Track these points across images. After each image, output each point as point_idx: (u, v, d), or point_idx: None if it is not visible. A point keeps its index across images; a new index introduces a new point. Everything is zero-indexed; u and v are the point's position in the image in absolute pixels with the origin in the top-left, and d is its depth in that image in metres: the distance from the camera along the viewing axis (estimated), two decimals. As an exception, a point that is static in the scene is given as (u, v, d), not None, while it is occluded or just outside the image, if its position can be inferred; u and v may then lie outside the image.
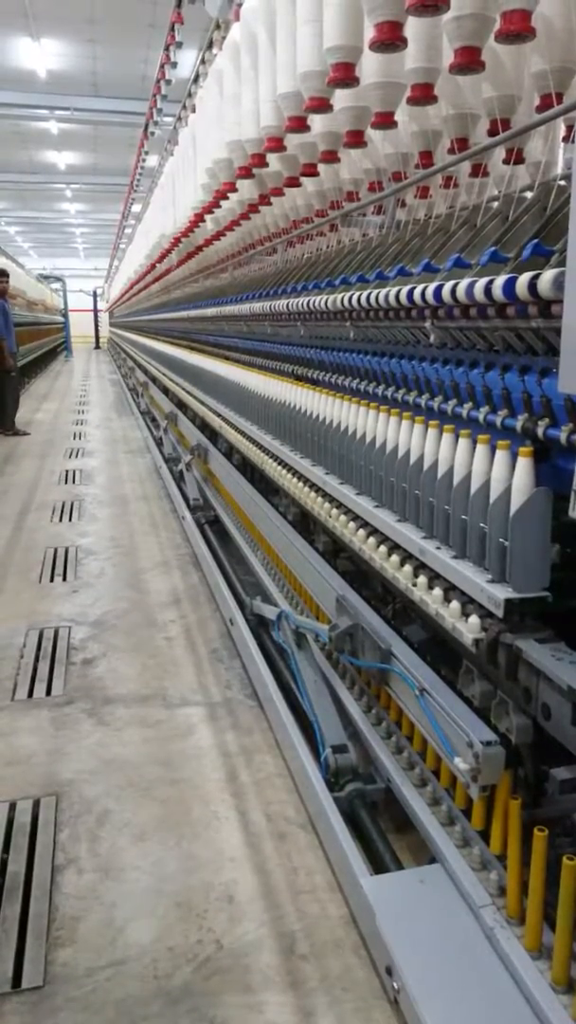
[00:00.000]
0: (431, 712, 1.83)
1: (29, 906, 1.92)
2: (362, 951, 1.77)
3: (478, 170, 2.35)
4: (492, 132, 2.07)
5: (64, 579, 4.32)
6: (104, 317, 32.42)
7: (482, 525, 1.65)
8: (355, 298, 2.31)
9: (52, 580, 4.31)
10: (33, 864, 2.06)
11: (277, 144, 2.78)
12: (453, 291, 1.71)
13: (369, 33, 1.77)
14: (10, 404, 9.70)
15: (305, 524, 3.37)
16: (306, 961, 1.76)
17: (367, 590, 3.08)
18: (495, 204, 2.20)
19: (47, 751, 2.60)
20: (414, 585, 1.88)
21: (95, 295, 32.33)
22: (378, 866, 1.94)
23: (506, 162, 2.18)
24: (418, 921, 1.65)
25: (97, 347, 32.94)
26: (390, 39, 1.67)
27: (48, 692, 3.02)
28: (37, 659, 3.30)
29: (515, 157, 2.13)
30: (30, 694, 3.00)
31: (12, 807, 2.30)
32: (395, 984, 1.56)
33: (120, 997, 1.66)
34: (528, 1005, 1.44)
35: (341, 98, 2.26)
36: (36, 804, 2.31)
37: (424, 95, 1.93)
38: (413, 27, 1.83)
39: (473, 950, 1.57)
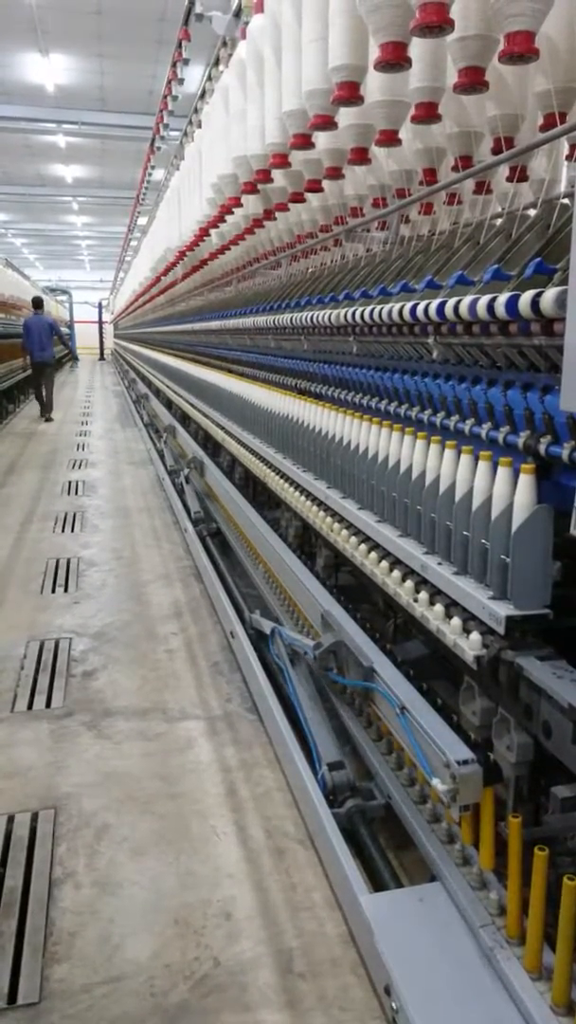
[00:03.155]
0: (411, 731, 1.82)
1: (26, 921, 1.90)
2: (360, 970, 1.76)
3: (482, 187, 2.36)
4: (496, 150, 2.09)
5: (65, 590, 4.32)
6: (109, 328, 32.58)
7: (484, 542, 1.65)
8: (358, 313, 2.32)
9: (53, 591, 4.31)
10: (31, 878, 2.05)
11: (282, 160, 2.80)
12: (456, 308, 1.72)
13: (374, 52, 1.78)
14: (46, 395, 12.04)
15: (307, 537, 3.37)
16: (304, 980, 1.74)
17: (369, 605, 3.07)
18: (499, 221, 2.22)
19: (46, 764, 2.59)
20: (415, 601, 1.88)
21: (100, 307, 32.48)
22: (377, 883, 1.93)
23: (510, 180, 2.19)
24: (417, 940, 1.64)
25: (102, 358, 33.06)
26: (395, 59, 1.69)
27: (48, 704, 3.01)
28: (37, 671, 3.29)
29: (518, 175, 2.14)
30: (30, 706, 2.99)
31: (10, 820, 2.29)
32: (393, 1004, 1.55)
33: (116, 1014, 1.65)
34: (528, 1027, 1.42)
35: (346, 116, 2.28)
36: (34, 817, 2.30)
37: (428, 114, 1.94)
38: (418, 47, 1.84)
39: (472, 970, 1.55)
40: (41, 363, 11.80)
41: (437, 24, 1.50)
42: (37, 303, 12.45)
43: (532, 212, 2.10)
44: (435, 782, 1.65)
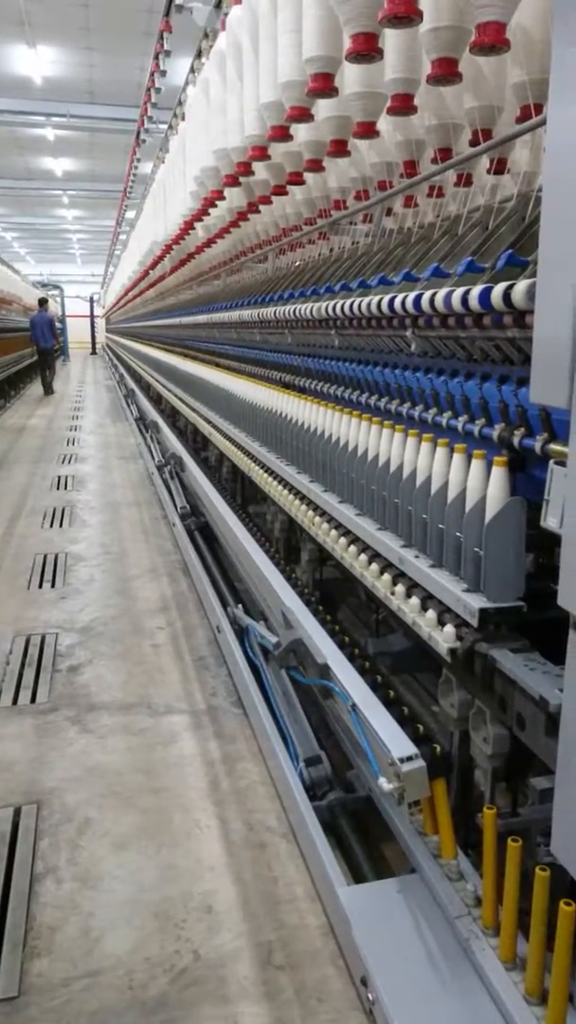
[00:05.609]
0: (361, 728, 1.82)
1: (6, 916, 1.91)
2: (339, 961, 1.77)
3: (462, 179, 2.35)
4: (475, 142, 2.08)
5: (53, 585, 4.32)
6: (101, 323, 32.46)
7: (458, 534, 1.65)
8: (338, 306, 2.32)
9: (41, 586, 4.30)
10: (12, 873, 2.05)
11: (261, 153, 2.79)
12: (432, 300, 1.72)
13: (347, 44, 1.77)
14: (49, 375, 15.67)
15: (293, 531, 3.37)
16: (283, 972, 1.75)
17: (354, 598, 3.08)
18: (478, 214, 2.21)
19: (29, 759, 2.59)
20: (392, 594, 1.88)
21: (92, 301, 32.34)
22: (359, 876, 1.94)
23: (489, 172, 2.19)
24: (394, 931, 1.64)
25: (94, 352, 32.96)
26: (366, 50, 1.68)
27: (32, 699, 3.01)
28: (23, 666, 3.29)
29: (497, 167, 2.14)
30: (14, 701, 2.99)
31: (-7, 815, 2.29)
32: (370, 995, 1.56)
33: (95, 1008, 1.65)
34: (502, 1017, 1.43)
35: (323, 108, 2.27)
36: (17, 812, 2.30)
37: (404, 105, 1.93)
38: (391, 38, 1.84)
39: (448, 961, 1.56)
40: (44, 350, 15.35)
41: (405, 15, 1.49)
42: (42, 302, 16.34)
43: (511, 204, 2.09)
44: (381, 781, 1.64)
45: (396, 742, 1.65)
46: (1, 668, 3.26)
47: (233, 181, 3.24)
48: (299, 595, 2.61)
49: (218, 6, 3.61)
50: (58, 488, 6.79)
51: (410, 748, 1.62)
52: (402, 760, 1.59)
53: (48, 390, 15.61)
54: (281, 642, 2.28)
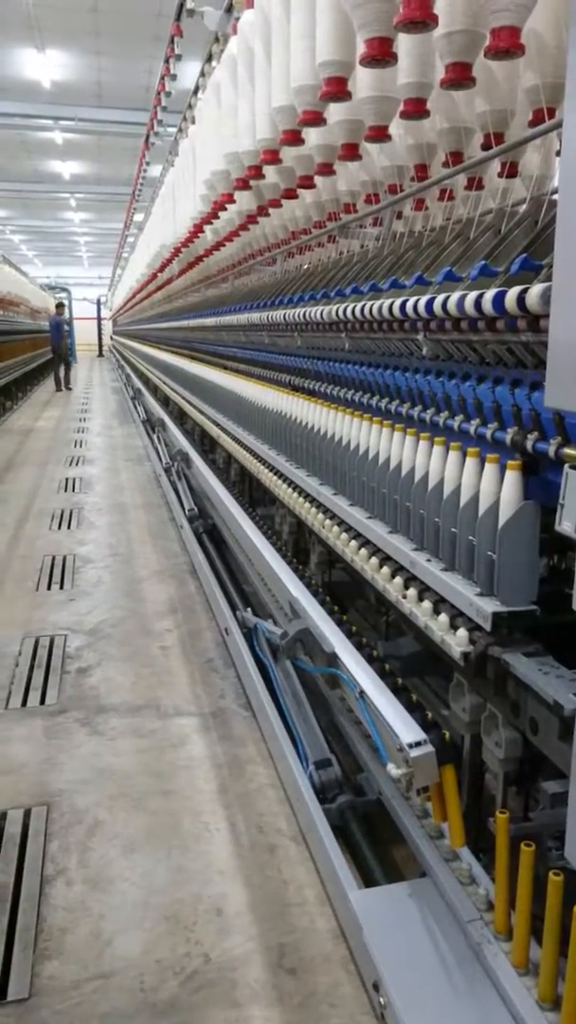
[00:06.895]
0: (369, 715, 1.81)
1: (17, 918, 1.91)
2: (350, 965, 1.76)
3: (473, 183, 2.35)
4: (486, 146, 2.08)
5: (61, 587, 4.32)
6: (108, 325, 32.53)
7: (471, 538, 1.65)
8: (349, 309, 2.32)
9: (49, 588, 4.31)
10: (22, 875, 2.06)
11: (273, 157, 2.80)
12: (444, 304, 1.72)
13: (361, 48, 1.78)
14: (66, 372, 17.34)
15: (302, 534, 3.37)
16: (294, 976, 1.75)
17: (363, 601, 3.08)
18: (488, 217, 2.21)
19: (39, 760, 2.59)
20: (404, 597, 1.87)
21: (99, 303, 32.43)
22: (370, 879, 1.94)
23: (501, 175, 2.19)
24: (405, 935, 1.64)
25: (100, 355, 33.05)
26: (380, 55, 1.68)
27: (42, 701, 3.01)
28: (32, 668, 3.29)
29: (508, 171, 2.14)
30: (24, 703, 3.00)
31: (2, 817, 2.29)
32: (381, 999, 1.55)
33: (106, 1011, 1.65)
34: (514, 1022, 1.43)
35: (335, 111, 2.28)
36: (27, 814, 2.31)
37: (416, 110, 1.94)
38: (405, 42, 1.84)
39: (460, 966, 1.55)
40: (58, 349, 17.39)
41: (421, 19, 1.49)
42: (59, 307, 18.42)
43: (523, 208, 2.09)
44: (389, 767, 1.63)
45: (405, 727, 1.65)
46: (10, 670, 3.27)
47: (243, 184, 3.25)
48: (306, 586, 2.61)
49: (229, 10, 3.62)
50: (66, 490, 6.80)
51: (419, 733, 1.62)
52: (411, 745, 1.58)
53: (59, 386, 17.05)
54: (288, 632, 2.28)
